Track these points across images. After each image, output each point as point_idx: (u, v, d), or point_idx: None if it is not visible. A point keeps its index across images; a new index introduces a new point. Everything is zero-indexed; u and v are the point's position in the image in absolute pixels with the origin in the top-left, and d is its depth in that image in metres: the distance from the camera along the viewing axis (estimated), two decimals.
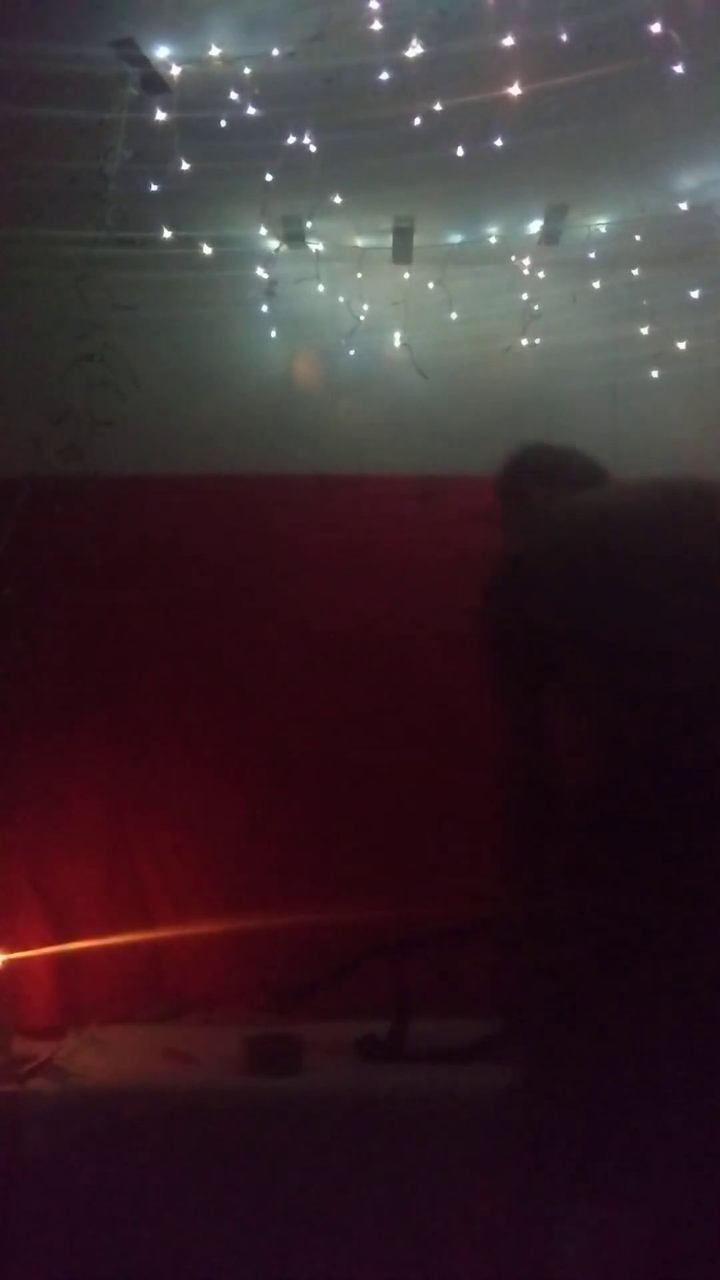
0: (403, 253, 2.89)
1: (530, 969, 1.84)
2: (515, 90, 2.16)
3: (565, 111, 2.24)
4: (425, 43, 2.08)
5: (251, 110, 2.26)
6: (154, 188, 2.49)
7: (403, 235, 2.84)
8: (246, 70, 2.20)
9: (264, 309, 2.96)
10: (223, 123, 2.30)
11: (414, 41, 2.08)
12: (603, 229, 2.84)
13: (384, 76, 2.17)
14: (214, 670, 2.86)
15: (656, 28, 2.03)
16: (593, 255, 2.91)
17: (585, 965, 1.75)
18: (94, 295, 2.36)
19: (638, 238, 2.83)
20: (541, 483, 2.06)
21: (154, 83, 2.23)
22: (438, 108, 2.23)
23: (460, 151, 2.39)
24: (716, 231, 2.79)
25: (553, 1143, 1.77)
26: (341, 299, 2.95)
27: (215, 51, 2.19)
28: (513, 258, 2.95)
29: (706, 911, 1.63)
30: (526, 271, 2.96)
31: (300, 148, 2.36)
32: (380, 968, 2.39)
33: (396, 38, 2.08)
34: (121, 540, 2.66)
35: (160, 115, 2.28)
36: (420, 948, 2.38)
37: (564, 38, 2.05)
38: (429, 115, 2.25)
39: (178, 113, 2.28)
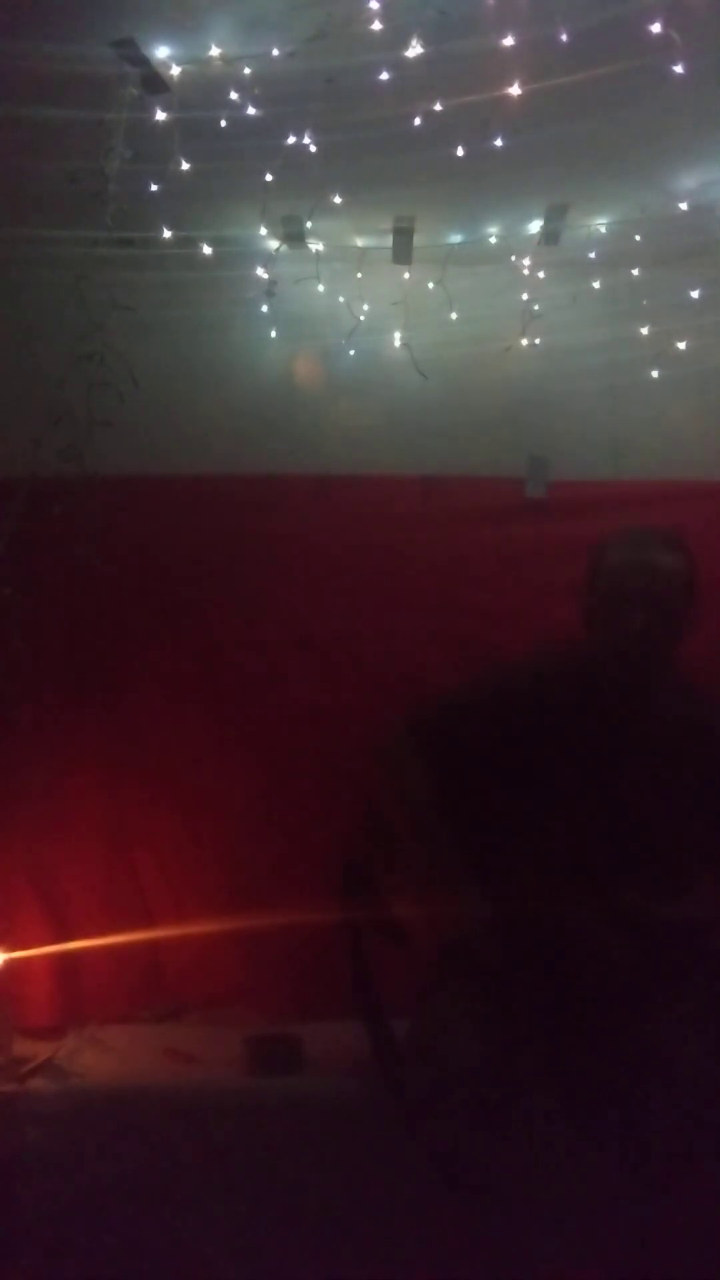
0: (403, 253, 2.89)
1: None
2: (515, 90, 2.16)
3: (565, 111, 2.24)
4: (425, 43, 2.07)
5: (251, 110, 2.26)
6: (154, 188, 2.49)
7: (403, 235, 2.84)
8: (246, 70, 2.19)
9: (264, 309, 2.96)
10: (223, 123, 2.30)
11: (414, 41, 2.08)
12: (603, 229, 2.84)
13: (384, 76, 2.16)
14: (214, 670, 2.86)
15: (656, 28, 2.03)
16: (593, 255, 2.91)
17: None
18: (94, 295, 2.36)
19: (638, 238, 2.83)
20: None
21: (154, 83, 2.23)
22: (438, 108, 2.23)
23: (460, 151, 2.39)
24: (716, 231, 2.79)
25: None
26: (341, 299, 2.95)
27: (215, 51, 2.19)
28: (513, 258, 2.95)
29: None
30: (526, 271, 2.96)
31: (300, 148, 2.36)
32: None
33: (396, 38, 2.08)
34: (121, 540, 2.66)
35: (160, 115, 2.28)
36: None
37: (564, 38, 2.05)
38: (429, 115, 2.25)
39: (178, 113, 2.28)
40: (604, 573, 2.07)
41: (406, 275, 2.93)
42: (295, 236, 2.81)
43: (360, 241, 2.90)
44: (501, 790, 2.04)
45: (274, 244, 2.83)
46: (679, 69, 2.08)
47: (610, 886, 1.93)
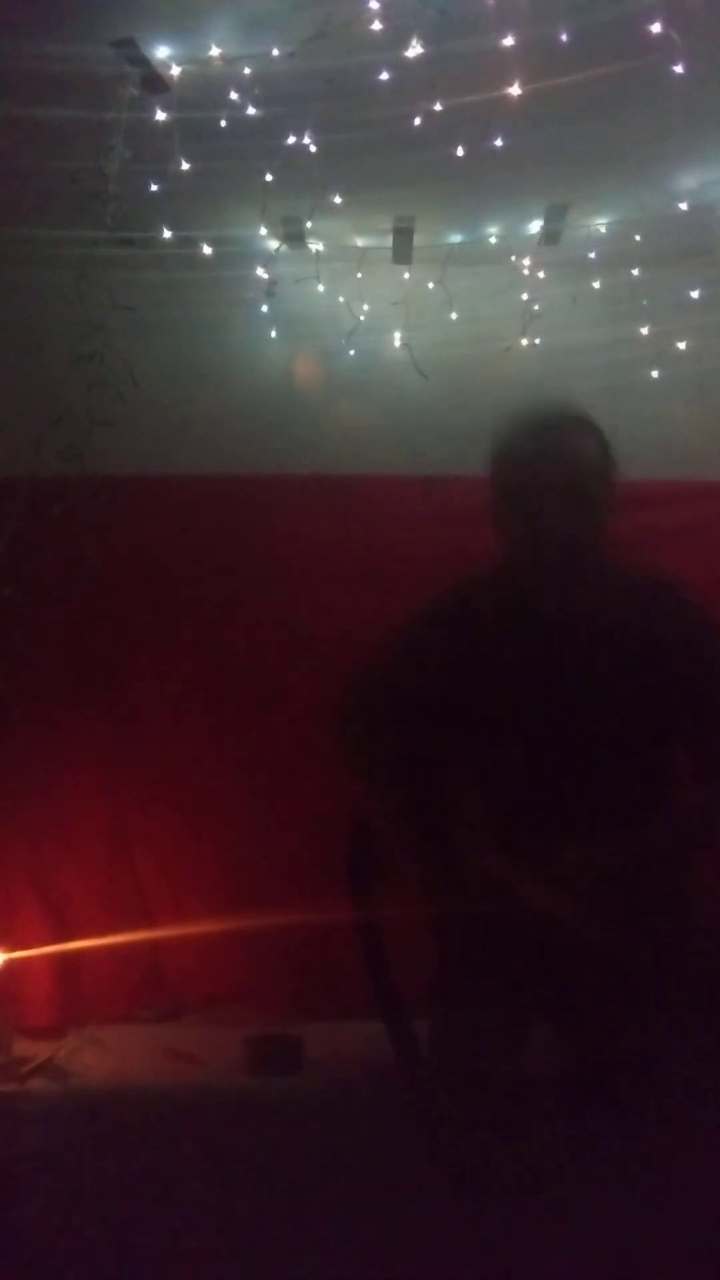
0: (403, 253, 2.89)
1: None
2: (515, 90, 2.16)
3: (565, 111, 2.24)
4: (425, 43, 2.07)
5: (251, 110, 2.26)
6: (154, 188, 2.49)
7: (403, 235, 2.84)
8: (246, 70, 2.19)
9: (264, 309, 2.96)
10: (223, 123, 2.30)
11: (414, 41, 2.07)
12: (603, 229, 2.84)
13: (384, 76, 2.16)
14: (214, 670, 2.86)
15: (656, 28, 2.03)
16: (593, 255, 2.91)
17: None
18: (94, 295, 2.36)
19: (638, 238, 2.83)
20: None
21: (154, 83, 2.23)
22: (438, 108, 2.22)
23: (460, 151, 2.39)
24: (716, 231, 2.78)
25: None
26: (341, 299, 2.95)
27: (215, 51, 2.19)
28: (513, 258, 2.95)
29: None
30: (526, 271, 2.96)
31: (300, 148, 2.35)
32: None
33: (396, 38, 2.08)
34: (121, 540, 2.66)
35: (160, 115, 2.28)
36: None
37: (564, 38, 2.04)
38: (429, 115, 2.25)
39: (178, 113, 2.28)
40: (509, 467, 1.85)
41: (406, 275, 2.93)
42: (295, 236, 2.82)
43: (360, 241, 2.90)
44: (458, 726, 1.88)
45: (274, 244, 2.83)
46: (679, 69, 2.08)
47: (554, 852, 1.75)
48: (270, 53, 2.15)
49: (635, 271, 2.96)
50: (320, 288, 2.92)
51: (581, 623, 1.83)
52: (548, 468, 1.81)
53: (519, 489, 1.82)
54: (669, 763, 1.89)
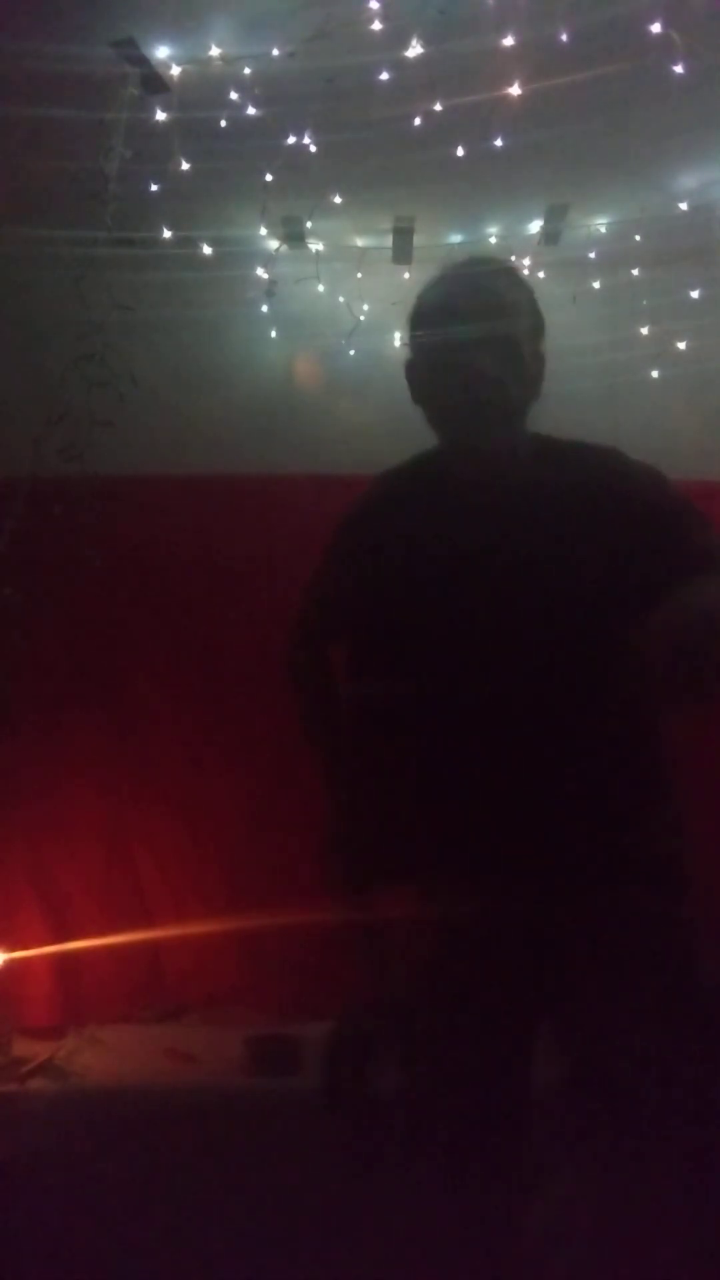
0: (403, 253, 2.89)
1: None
2: (515, 90, 2.16)
3: (565, 111, 2.24)
4: (425, 43, 2.07)
5: (251, 110, 2.26)
6: (154, 188, 2.49)
7: (403, 235, 2.84)
8: (246, 70, 2.19)
9: (264, 309, 2.96)
10: (223, 123, 2.30)
11: (414, 41, 2.07)
12: (603, 229, 2.84)
13: (384, 76, 2.16)
14: (213, 670, 2.86)
15: (656, 28, 2.03)
16: (593, 255, 2.91)
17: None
18: (94, 295, 2.36)
19: (638, 238, 2.83)
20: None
21: (154, 83, 2.23)
22: (438, 108, 2.23)
23: (460, 151, 2.39)
24: (716, 231, 2.78)
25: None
26: (341, 299, 2.95)
27: (215, 51, 2.19)
28: (513, 258, 2.94)
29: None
30: (526, 271, 2.95)
31: (300, 148, 2.36)
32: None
33: (396, 38, 2.08)
34: (121, 540, 2.66)
35: (160, 115, 2.28)
36: None
37: (564, 38, 2.05)
38: (429, 115, 2.25)
39: (178, 113, 2.28)
40: (420, 313, 1.70)
41: (406, 275, 2.93)
42: (295, 236, 2.82)
43: (360, 241, 2.90)
44: (400, 629, 1.71)
45: (274, 244, 2.83)
46: (679, 69, 2.08)
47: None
48: (270, 53, 2.15)
49: (635, 271, 2.96)
50: (320, 288, 2.92)
51: (514, 491, 1.66)
52: (459, 306, 1.66)
53: (430, 336, 1.67)
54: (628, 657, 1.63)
